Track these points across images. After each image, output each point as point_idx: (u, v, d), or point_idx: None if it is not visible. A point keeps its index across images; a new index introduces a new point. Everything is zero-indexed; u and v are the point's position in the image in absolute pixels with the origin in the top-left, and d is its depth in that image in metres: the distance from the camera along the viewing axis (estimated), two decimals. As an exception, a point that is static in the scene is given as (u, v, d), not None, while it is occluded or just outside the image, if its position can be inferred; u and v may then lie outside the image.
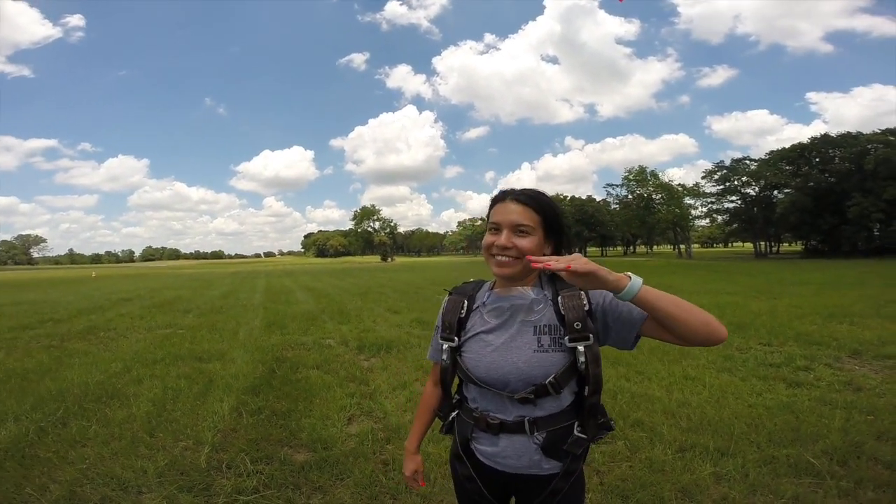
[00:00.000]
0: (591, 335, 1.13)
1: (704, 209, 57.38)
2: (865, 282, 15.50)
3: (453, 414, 1.32)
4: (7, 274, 59.24)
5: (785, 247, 64.11)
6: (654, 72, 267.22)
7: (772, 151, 50.23)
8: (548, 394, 1.15)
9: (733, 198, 53.93)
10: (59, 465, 2.95)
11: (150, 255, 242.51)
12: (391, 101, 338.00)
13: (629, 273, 1.01)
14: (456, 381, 1.31)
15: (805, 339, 6.22)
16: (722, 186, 53.56)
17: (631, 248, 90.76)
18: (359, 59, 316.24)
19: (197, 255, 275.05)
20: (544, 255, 1.20)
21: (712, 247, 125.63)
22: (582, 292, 1.18)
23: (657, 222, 58.43)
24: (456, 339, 1.25)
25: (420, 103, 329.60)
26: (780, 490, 2.48)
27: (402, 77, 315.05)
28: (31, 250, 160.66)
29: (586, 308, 1.16)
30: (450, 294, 1.33)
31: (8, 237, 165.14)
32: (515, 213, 1.17)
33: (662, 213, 57.24)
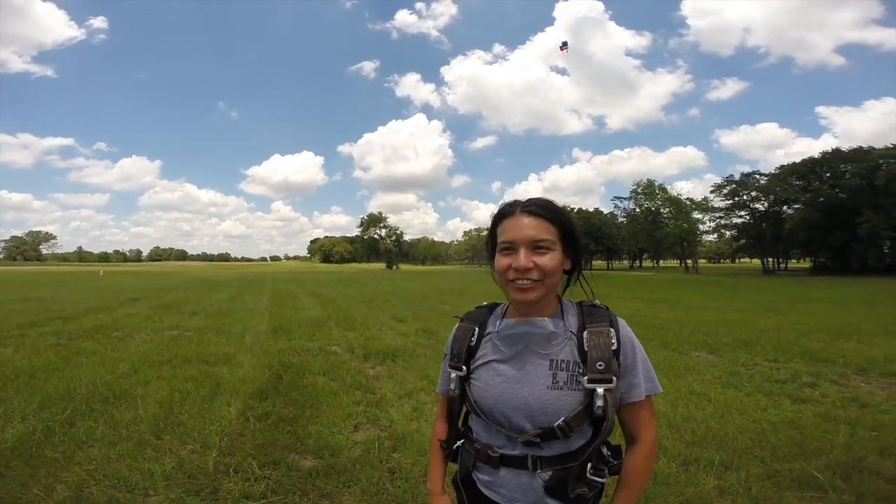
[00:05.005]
0: (613, 378, 1.03)
1: (713, 224, 57.24)
2: (875, 300, 15.35)
3: (458, 443, 1.23)
4: (17, 269, 59.77)
5: (793, 263, 63.58)
6: (664, 84, 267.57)
7: (782, 166, 50.15)
8: (555, 437, 1.04)
9: (742, 213, 53.79)
10: (65, 465, 2.97)
11: (158, 255, 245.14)
12: (400, 109, 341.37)
13: None
14: (464, 411, 1.24)
15: (811, 356, 6.20)
16: (731, 201, 53.44)
17: (637, 261, 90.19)
18: (369, 66, 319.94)
19: (204, 257, 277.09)
20: (564, 271, 1.11)
21: (719, 262, 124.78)
22: (612, 329, 1.08)
23: (665, 236, 58.19)
24: (465, 367, 1.16)
25: (429, 112, 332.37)
26: (782, 503, 2.49)
27: (411, 85, 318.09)
28: (41, 247, 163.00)
29: (614, 347, 1.06)
30: (461, 321, 1.23)
31: (19, 233, 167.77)
32: (531, 227, 1.05)
33: (670, 227, 57.06)
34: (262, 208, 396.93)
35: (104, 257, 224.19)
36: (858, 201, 40.45)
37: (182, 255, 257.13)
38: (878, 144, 43.52)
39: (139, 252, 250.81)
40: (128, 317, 10.39)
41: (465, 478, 1.19)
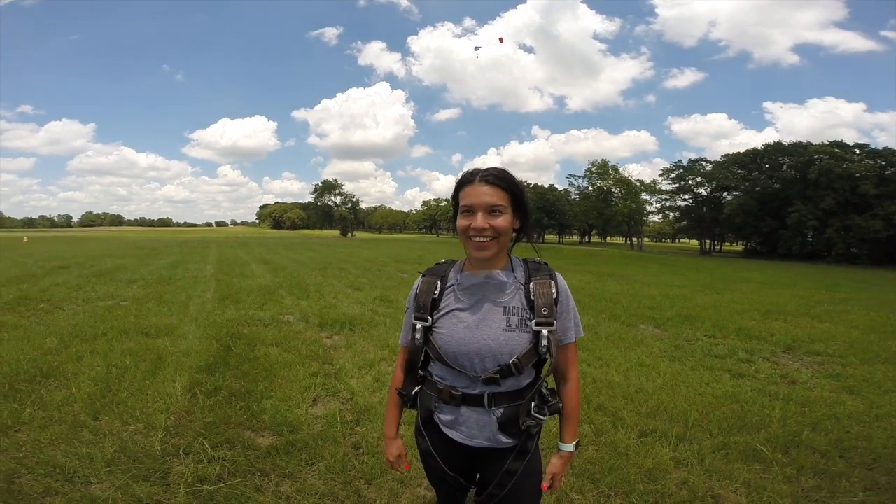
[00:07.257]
0: (554, 321, 1.22)
1: (659, 205, 59.92)
2: (798, 283, 16.78)
3: (416, 389, 1.36)
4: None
5: (727, 246, 67.94)
6: (626, 69, 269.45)
7: (726, 155, 52.67)
8: (511, 374, 1.22)
9: (686, 196, 56.52)
10: (-11, 452, 2.66)
11: (90, 220, 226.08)
12: (362, 77, 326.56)
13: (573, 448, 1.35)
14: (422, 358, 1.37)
15: (745, 334, 6.63)
16: (677, 185, 55.92)
17: (587, 237, 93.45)
18: (331, 32, 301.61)
19: (142, 222, 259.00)
20: (514, 231, 1.28)
21: (661, 241, 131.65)
22: (552, 281, 1.26)
23: (614, 215, 60.41)
24: (429, 318, 1.29)
25: (393, 81, 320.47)
26: (733, 475, 2.63)
27: (375, 54, 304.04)
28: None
29: (554, 296, 1.25)
30: (423, 275, 1.37)
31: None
32: (487, 194, 1.21)
33: (620, 206, 59.22)
34: (208, 173, 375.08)
35: (29, 223, 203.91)
36: (791, 192, 43.48)
37: (118, 221, 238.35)
38: (815, 141, 46.30)
39: (69, 217, 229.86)
40: (55, 286, 9.48)
41: (427, 418, 1.33)
